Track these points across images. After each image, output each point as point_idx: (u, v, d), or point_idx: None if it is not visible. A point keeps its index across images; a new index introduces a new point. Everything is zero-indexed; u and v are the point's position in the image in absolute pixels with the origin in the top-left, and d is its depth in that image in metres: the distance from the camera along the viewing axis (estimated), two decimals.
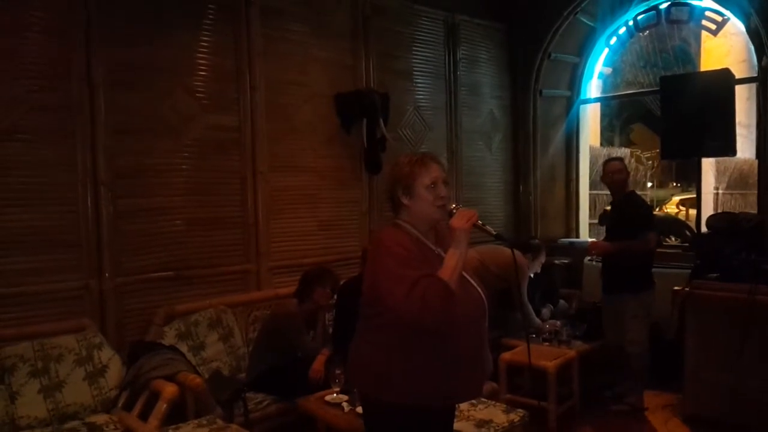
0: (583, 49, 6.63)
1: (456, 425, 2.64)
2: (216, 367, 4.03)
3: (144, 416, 3.35)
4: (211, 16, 4.39)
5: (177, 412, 3.36)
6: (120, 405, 3.53)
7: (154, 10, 4.10)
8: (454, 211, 2.21)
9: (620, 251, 4.50)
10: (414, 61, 5.69)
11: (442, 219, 2.28)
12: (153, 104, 4.11)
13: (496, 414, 3.31)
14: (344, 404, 3.42)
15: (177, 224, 4.24)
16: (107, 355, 3.61)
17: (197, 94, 4.33)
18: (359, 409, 3.27)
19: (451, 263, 2.12)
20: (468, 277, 2.29)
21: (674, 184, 21.49)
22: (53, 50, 3.72)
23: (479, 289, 2.33)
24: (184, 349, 3.91)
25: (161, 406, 3.28)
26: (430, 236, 2.33)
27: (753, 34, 5.27)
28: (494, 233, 2.33)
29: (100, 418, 3.40)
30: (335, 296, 4.21)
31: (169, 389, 3.35)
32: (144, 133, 4.07)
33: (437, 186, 2.24)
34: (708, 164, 8.93)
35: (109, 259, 3.90)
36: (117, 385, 3.58)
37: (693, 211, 12.17)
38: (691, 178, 20.05)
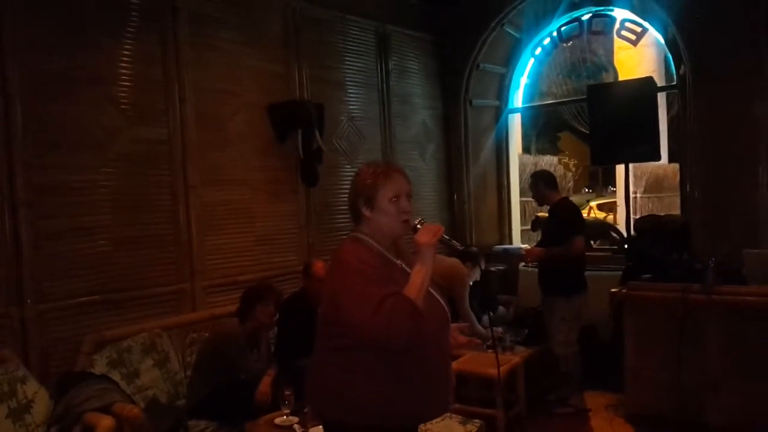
0: (509, 60, 6.77)
1: None
2: (152, 395, 3.77)
3: None
4: (134, 24, 4.16)
5: None
6: None
7: (72, 17, 3.84)
8: (419, 226, 2.13)
9: (551, 256, 4.62)
10: (347, 71, 5.63)
11: (405, 234, 2.20)
12: (75, 117, 3.83)
13: (454, 426, 3.27)
14: (295, 426, 3.28)
15: (104, 244, 3.96)
16: (32, 388, 3.30)
17: (122, 106, 4.08)
18: (312, 430, 3.15)
19: (418, 281, 2.03)
20: (431, 290, 2.21)
21: (587, 189, 22.42)
22: None
23: (442, 302, 2.27)
24: (116, 377, 3.63)
25: None
26: (391, 249, 2.24)
27: (671, 44, 5.52)
28: (460, 248, 2.29)
29: None
30: (278, 313, 4.05)
31: (105, 422, 3.08)
32: (66, 148, 3.79)
33: (401, 199, 2.15)
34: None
35: (31, 284, 3.59)
36: (45, 421, 3.27)
37: (612, 216, 12.70)
38: (604, 184, 21.02)
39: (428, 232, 2.08)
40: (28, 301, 3.59)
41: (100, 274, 3.93)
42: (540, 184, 4.82)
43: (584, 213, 14.81)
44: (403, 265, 2.20)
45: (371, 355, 2.04)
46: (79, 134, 3.85)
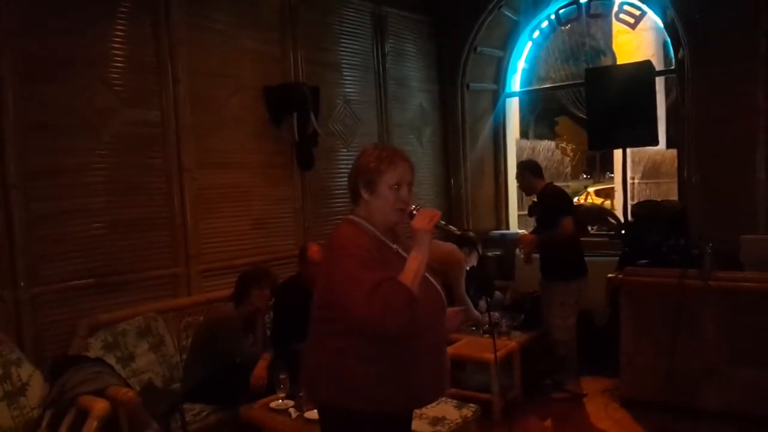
0: (507, 43, 6.71)
1: None
2: (148, 378, 3.78)
3: None
4: (126, 4, 4.10)
5: (109, 430, 3.10)
6: (44, 426, 3.22)
7: None
8: (415, 212, 2.10)
9: (543, 242, 4.64)
10: (342, 53, 5.57)
11: (400, 222, 2.18)
12: (67, 98, 3.79)
13: (449, 410, 3.27)
14: (291, 410, 3.29)
15: (98, 227, 3.94)
16: (27, 371, 3.29)
17: (115, 88, 4.03)
18: (307, 414, 3.15)
19: (414, 266, 2.01)
20: (427, 274, 2.18)
21: (585, 175, 22.39)
22: None
23: (438, 287, 2.24)
24: (111, 361, 3.63)
25: (91, 425, 3.00)
26: (388, 233, 2.21)
27: (670, 27, 5.47)
28: (458, 232, 2.27)
29: None
30: (273, 298, 4.03)
31: (99, 405, 3.07)
32: (58, 130, 3.75)
33: (401, 188, 2.12)
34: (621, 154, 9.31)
35: (24, 267, 3.56)
36: (39, 404, 3.26)
37: (610, 202, 12.67)
38: (602, 169, 21.00)
39: (425, 217, 2.06)
40: (22, 284, 3.56)
41: (95, 257, 3.90)
42: (526, 173, 4.84)
43: (581, 199, 14.87)
44: (399, 250, 2.18)
45: (365, 340, 2.02)
46: (71, 116, 3.81)
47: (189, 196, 4.38)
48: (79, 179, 3.85)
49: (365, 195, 2.14)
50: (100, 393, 3.19)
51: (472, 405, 3.37)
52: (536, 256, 4.85)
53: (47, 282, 3.67)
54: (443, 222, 2.14)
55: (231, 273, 4.28)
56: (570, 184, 14.66)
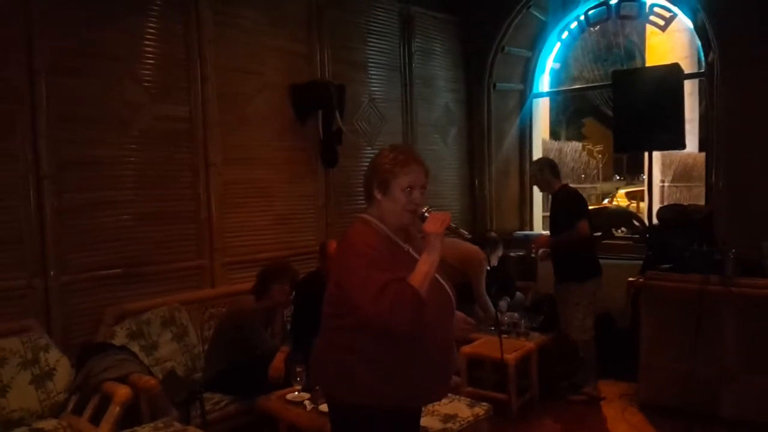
0: (535, 43, 6.68)
1: (422, 421, 2.59)
2: (170, 367, 3.87)
3: (95, 420, 3.20)
4: (157, 1, 4.21)
5: (130, 416, 3.21)
6: (69, 409, 3.36)
7: None
8: (426, 214, 2.13)
9: (557, 243, 4.63)
10: (369, 52, 5.61)
11: (411, 224, 2.22)
12: (99, 93, 3.91)
13: (461, 408, 3.29)
14: (306, 402, 3.35)
15: (126, 219, 4.06)
16: (54, 357, 3.42)
17: (145, 83, 4.14)
18: (322, 407, 3.21)
19: (424, 269, 2.04)
20: (438, 276, 2.19)
21: (617, 177, 22.13)
22: None
23: (448, 288, 2.27)
24: (135, 349, 3.75)
25: (114, 410, 3.13)
26: (400, 232, 2.24)
27: (700, 30, 5.39)
28: (468, 236, 2.30)
29: (48, 424, 3.23)
30: (293, 292, 4.11)
31: (122, 391, 3.20)
32: (89, 124, 3.88)
33: (413, 191, 2.15)
34: (654, 157, 9.19)
35: (55, 256, 3.69)
36: (66, 388, 3.40)
37: (641, 204, 12.50)
38: (635, 171, 20.74)
39: (436, 220, 2.09)
40: (52, 272, 3.69)
41: (122, 248, 4.02)
42: (545, 170, 4.80)
43: (606, 202, 14.68)
44: (410, 250, 2.21)
45: (373, 337, 2.07)
46: (102, 110, 3.93)
47: (215, 191, 4.48)
48: (109, 171, 3.97)
49: (378, 195, 2.18)
50: (123, 380, 3.32)
51: (484, 403, 3.39)
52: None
53: (76, 271, 3.79)
54: (454, 225, 2.17)
55: (254, 266, 4.34)
56: (597, 185, 14.47)
